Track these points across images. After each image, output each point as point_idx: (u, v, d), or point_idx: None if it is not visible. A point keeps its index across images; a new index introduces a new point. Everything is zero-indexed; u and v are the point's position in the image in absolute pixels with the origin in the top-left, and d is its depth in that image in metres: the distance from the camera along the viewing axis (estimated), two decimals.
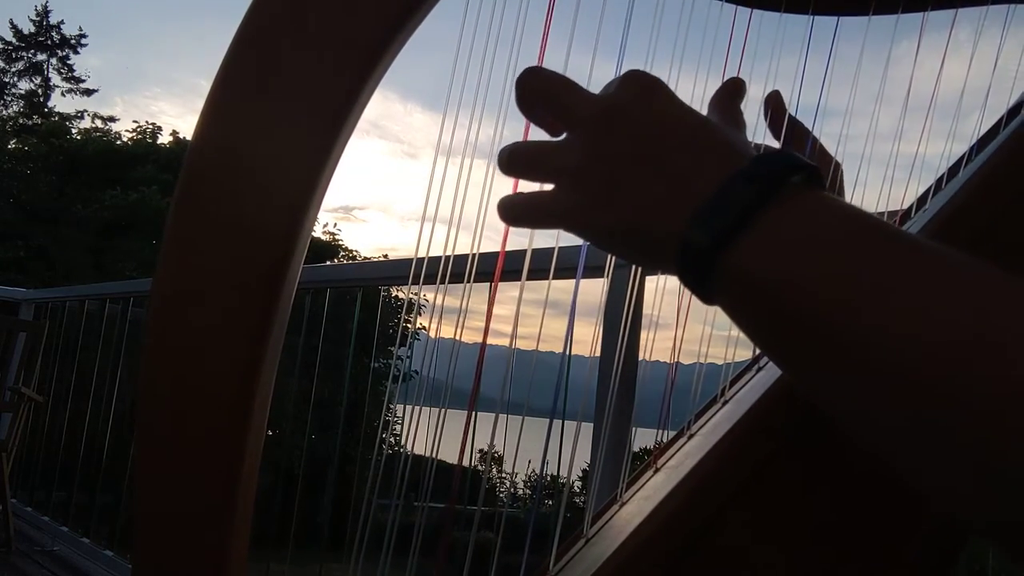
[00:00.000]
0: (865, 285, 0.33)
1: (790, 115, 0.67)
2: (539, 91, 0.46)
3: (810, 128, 0.68)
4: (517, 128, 0.61)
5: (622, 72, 0.44)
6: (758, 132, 0.63)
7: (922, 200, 0.74)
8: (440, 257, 0.68)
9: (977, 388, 0.29)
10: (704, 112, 0.47)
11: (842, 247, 0.35)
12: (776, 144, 0.66)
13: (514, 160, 0.46)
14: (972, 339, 0.30)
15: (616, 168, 0.42)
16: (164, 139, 21.39)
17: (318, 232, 19.91)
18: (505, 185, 0.62)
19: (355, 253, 20.86)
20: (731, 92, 0.51)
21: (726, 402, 0.72)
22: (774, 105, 0.66)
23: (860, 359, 0.33)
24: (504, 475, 10.87)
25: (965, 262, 0.33)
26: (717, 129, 0.42)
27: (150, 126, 21.57)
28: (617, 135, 0.42)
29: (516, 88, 0.46)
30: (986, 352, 0.30)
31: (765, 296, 0.36)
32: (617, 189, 0.41)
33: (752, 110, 0.61)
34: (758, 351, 0.77)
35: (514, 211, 0.48)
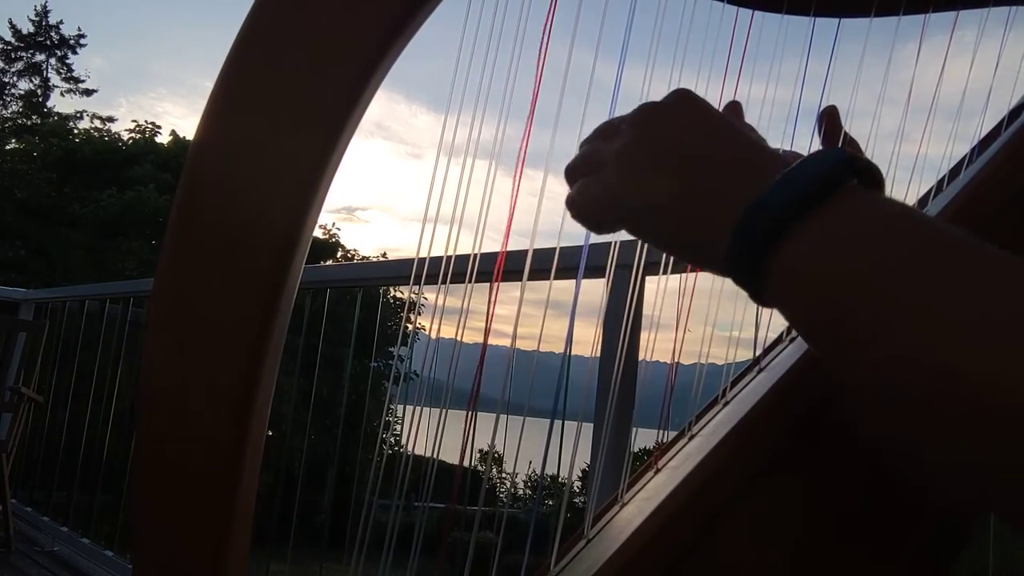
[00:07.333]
0: (898, 301, 0.32)
1: (845, 132, 0.66)
2: (585, 143, 0.48)
3: (811, 130, 0.68)
4: (519, 129, 0.61)
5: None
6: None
7: (923, 201, 0.74)
8: (441, 257, 0.68)
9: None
10: None
11: (882, 251, 0.34)
12: None
13: (569, 169, 0.48)
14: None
15: (662, 150, 0.42)
16: (163, 138, 21.32)
17: (316, 232, 19.67)
18: (505, 184, 0.63)
19: (354, 252, 20.77)
20: (733, 110, 0.54)
21: (727, 403, 0.72)
22: (829, 119, 0.65)
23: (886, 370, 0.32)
24: (504, 475, 10.87)
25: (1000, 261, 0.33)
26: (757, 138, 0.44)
27: (149, 125, 21.49)
28: (662, 125, 0.43)
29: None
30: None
31: (811, 293, 0.36)
32: (663, 167, 0.42)
33: (754, 111, 0.62)
34: (758, 353, 0.77)
35: (573, 206, 0.48)
